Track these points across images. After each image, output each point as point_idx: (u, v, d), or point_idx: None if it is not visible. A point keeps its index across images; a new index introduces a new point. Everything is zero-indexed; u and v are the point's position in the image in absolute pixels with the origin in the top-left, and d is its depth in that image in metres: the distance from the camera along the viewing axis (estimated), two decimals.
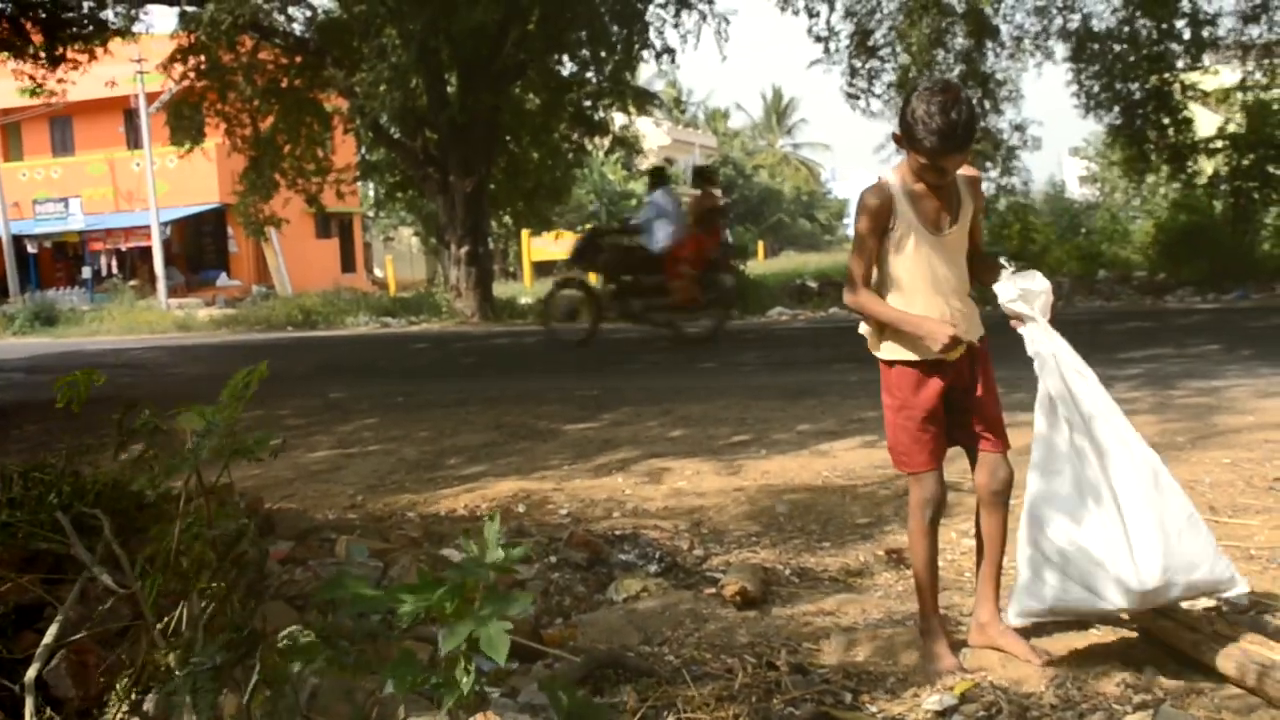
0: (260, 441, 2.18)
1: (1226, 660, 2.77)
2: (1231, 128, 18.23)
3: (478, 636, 1.88)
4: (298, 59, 18.69)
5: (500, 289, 23.29)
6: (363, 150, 22.08)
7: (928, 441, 3.03)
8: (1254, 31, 17.51)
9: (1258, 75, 17.95)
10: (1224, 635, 2.82)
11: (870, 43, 18.88)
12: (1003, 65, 19.05)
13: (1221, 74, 18.68)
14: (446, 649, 1.91)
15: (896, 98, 19.30)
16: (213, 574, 2.12)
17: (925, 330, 2.91)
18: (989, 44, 18.67)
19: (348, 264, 37.49)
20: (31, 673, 2.28)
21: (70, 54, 16.29)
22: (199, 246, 34.53)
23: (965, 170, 3.01)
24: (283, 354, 14.63)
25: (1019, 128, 19.11)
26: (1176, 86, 18.03)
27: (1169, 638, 2.98)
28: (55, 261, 34.29)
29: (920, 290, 2.99)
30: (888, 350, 3.05)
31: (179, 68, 17.83)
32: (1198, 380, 7.68)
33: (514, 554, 2.02)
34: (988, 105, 18.83)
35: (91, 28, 16.32)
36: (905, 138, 2.86)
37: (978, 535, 3.13)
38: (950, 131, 2.77)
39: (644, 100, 21.29)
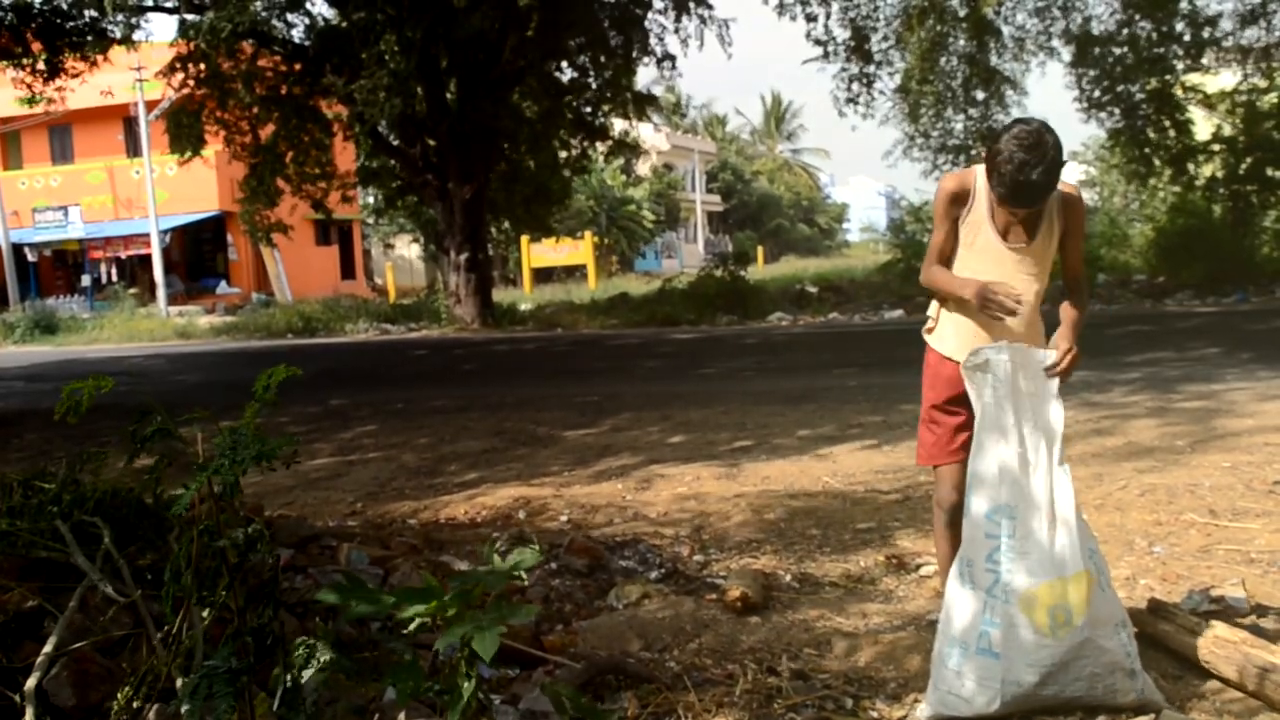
0: (284, 444, 2.18)
1: (1227, 664, 2.77)
2: (1227, 130, 18.24)
3: (471, 637, 1.88)
4: (297, 66, 18.70)
5: (500, 295, 23.28)
6: (362, 157, 22.10)
7: (937, 435, 3.07)
8: (1251, 35, 17.54)
9: (1255, 79, 17.96)
10: (1224, 639, 2.83)
11: (868, 47, 18.90)
12: (1005, 65, 19.12)
13: (1220, 76, 18.69)
14: (438, 645, 1.93)
15: (898, 103, 19.34)
16: (228, 583, 2.11)
17: (965, 290, 2.89)
18: (991, 45, 18.70)
19: (347, 271, 37.47)
20: (32, 681, 2.28)
21: (70, 63, 16.32)
22: (199, 254, 34.47)
23: (1063, 187, 2.89)
24: (282, 361, 14.58)
25: None
26: (1178, 89, 18.03)
27: (1170, 641, 2.98)
28: (55, 270, 34.27)
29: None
30: (930, 338, 3.13)
31: (179, 75, 17.83)
32: (1197, 384, 7.69)
33: (524, 561, 2.03)
34: (993, 103, 18.85)
35: (91, 36, 16.34)
36: (987, 164, 2.81)
37: None
38: (1022, 192, 2.73)
39: (643, 106, 21.27)
